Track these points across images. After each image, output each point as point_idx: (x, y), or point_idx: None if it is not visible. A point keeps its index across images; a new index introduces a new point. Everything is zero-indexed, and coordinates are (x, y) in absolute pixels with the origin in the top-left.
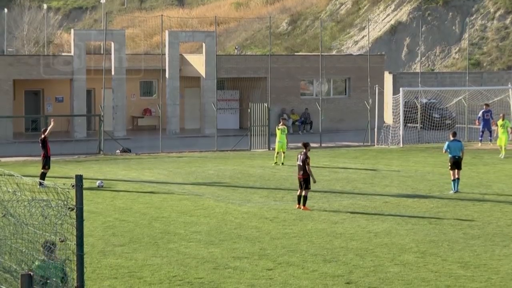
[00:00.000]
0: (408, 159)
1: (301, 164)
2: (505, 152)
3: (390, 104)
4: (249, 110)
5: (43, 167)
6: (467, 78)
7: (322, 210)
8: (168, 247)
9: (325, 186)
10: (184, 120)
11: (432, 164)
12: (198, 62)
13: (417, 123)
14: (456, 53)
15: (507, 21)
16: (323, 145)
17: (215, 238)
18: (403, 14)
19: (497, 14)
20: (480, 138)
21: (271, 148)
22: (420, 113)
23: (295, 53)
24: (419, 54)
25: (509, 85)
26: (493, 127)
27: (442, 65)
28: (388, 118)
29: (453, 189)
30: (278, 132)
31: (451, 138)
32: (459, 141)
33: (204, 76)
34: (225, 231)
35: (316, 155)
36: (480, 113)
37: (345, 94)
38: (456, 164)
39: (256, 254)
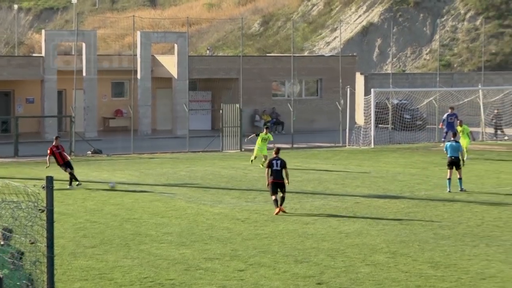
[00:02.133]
0: (379, 159)
1: (280, 169)
2: (467, 154)
3: (361, 105)
4: (220, 111)
5: (66, 171)
6: (438, 79)
7: (293, 211)
8: (139, 249)
9: (296, 187)
10: (156, 121)
11: (403, 164)
12: (170, 63)
13: (388, 124)
14: (427, 54)
15: (477, 23)
16: (294, 146)
17: (186, 239)
18: (374, 15)
19: (467, 16)
20: (443, 139)
21: (242, 149)
22: (391, 114)
23: (267, 54)
24: (391, 55)
25: (479, 86)
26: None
27: (413, 66)
28: (360, 119)
29: (448, 188)
30: (259, 139)
31: (452, 139)
32: (458, 142)
33: (176, 77)
34: (197, 232)
35: (288, 156)
36: (445, 116)
37: (317, 95)
38: (453, 164)
39: (227, 255)
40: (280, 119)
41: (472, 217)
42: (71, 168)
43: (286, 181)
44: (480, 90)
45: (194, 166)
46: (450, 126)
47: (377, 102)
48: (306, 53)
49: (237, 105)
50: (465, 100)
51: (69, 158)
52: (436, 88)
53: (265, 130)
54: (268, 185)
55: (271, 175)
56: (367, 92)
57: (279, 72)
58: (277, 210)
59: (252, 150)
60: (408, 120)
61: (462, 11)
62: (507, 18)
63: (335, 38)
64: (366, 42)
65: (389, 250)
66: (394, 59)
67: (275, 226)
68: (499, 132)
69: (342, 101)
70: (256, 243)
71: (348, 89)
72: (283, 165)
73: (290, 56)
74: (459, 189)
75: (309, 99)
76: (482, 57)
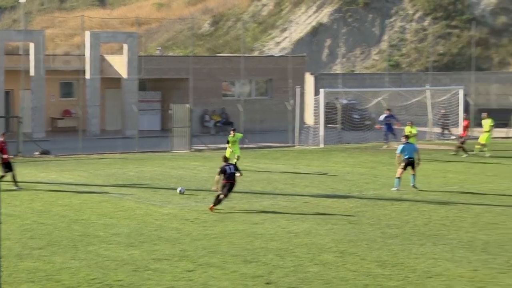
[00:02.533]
0: (328, 159)
1: (234, 171)
2: None
3: (311, 105)
4: (169, 111)
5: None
6: (386, 79)
7: (243, 210)
8: (87, 250)
9: (246, 187)
10: (105, 122)
11: (352, 164)
12: (119, 63)
13: (337, 124)
14: (376, 54)
15: (425, 23)
16: (244, 146)
17: (135, 240)
18: (324, 15)
19: (415, 16)
20: (385, 141)
21: (192, 149)
22: (340, 114)
23: (217, 54)
24: (340, 55)
25: (427, 86)
26: (398, 126)
27: (362, 66)
28: (309, 119)
29: (397, 186)
30: (230, 143)
31: (404, 141)
32: (412, 143)
33: (125, 77)
34: (145, 233)
35: None
36: (382, 117)
37: (267, 95)
38: (410, 164)
39: (176, 255)
40: (230, 119)
41: (420, 216)
42: (12, 169)
43: (239, 174)
44: (427, 90)
45: (144, 167)
46: (388, 127)
47: (326, 102)
48: (256, 53)
49: (187, 105)
50: (413, 100)
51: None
52: (384, 88)
53: (232, 133)
54: (220, 187)
55: (225, 178)
56: (316, 92)
57: (229, 72)
58: (212, 206)
59: (201, 151)
60: (357, 120)
61: (411, 12)
62: (455, 19)
63: (285, 38)
64: (316, 43)
65: (338, 249)
66: (344, 59)
67: (224, 226)
68: (446, 131)
69: (291, 101)
70: (205, 243)
71: (298, 89)
72: (236, 169)
73: (240, 56)
74: (412, 184)
75: (259, 99)
76: (430, 58)
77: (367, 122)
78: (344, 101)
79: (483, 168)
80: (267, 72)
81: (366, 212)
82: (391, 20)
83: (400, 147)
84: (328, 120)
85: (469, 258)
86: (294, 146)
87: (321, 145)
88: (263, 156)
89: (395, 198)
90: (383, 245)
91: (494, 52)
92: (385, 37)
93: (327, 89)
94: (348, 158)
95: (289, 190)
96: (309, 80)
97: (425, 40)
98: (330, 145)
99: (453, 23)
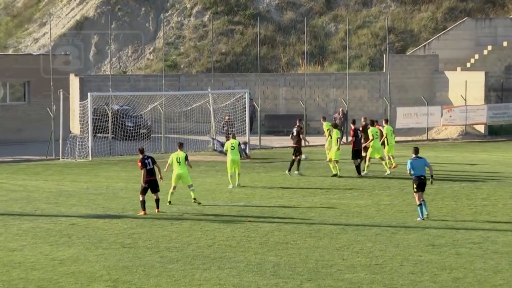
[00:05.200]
0: (98, 174)
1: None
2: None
3: (77, 111)
4: None
5: None
6: (163, 81)
7: None
8: None
9: (1, 208)
10: None
11: (126, 179)
12: None
13: (108, 133)
14: (150, 53)
15: (205, 18)
16: (4, 160)
17: None
18: (89, 8)
19: (194, 11)
20: None
21: None
22: (112, 122)
23: None
24: (109, 55)
25: (209, 90)
26: None
27: (136, 67)
28: (75, 128)
29: (421, 216)
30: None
31: (413, 156)
32: (423, 158)
33: None
34: None
35: None
36: None
37: (24, 100)
38: (422, 185)
39: None
40: None
41: (203, 237)
42: None
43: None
44: (210, 94)
45: None
46: None
47: (95, 108)
48: (10, 51)
49: None
50: (194, 105)
51: None
52: (161, 92)
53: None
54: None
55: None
56: (83, 97)
57: None
58: (143, 212)
59: None
60: (131, 128)
61: (188, 6)
62: (237, 14)
63: (44, 34)
64: (81, 39)
65: (110, 277)
66: (114, 59)
67: None
68: None
69: (54, 107)
70: None
71: (61, 93)
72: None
73: None
74: (421, 217)
75: (15, 104)
76: (211, 57)
77: (143, 131)
78: (116, 107)
79: (271, 182)
80: (24, 73)
81: (143, 233)
82: (167, 14)
83: (408, 163)
84: (98, 128)
85: (258, 282)
86: (58, 159)
87: (90, 158)
88: (21, 171)
89: (175, 217)
90: (162, 271)
91: (282, 51)
92: (161, 33)
93: (95, 93)
94: (121, 172)
95: (53, 210)
96: (75, 82)
97: (205, 38)
98: (100, 157)
99: (236, 19)
